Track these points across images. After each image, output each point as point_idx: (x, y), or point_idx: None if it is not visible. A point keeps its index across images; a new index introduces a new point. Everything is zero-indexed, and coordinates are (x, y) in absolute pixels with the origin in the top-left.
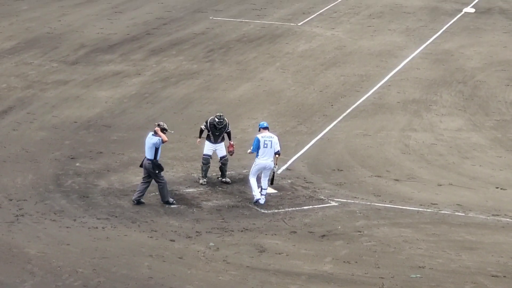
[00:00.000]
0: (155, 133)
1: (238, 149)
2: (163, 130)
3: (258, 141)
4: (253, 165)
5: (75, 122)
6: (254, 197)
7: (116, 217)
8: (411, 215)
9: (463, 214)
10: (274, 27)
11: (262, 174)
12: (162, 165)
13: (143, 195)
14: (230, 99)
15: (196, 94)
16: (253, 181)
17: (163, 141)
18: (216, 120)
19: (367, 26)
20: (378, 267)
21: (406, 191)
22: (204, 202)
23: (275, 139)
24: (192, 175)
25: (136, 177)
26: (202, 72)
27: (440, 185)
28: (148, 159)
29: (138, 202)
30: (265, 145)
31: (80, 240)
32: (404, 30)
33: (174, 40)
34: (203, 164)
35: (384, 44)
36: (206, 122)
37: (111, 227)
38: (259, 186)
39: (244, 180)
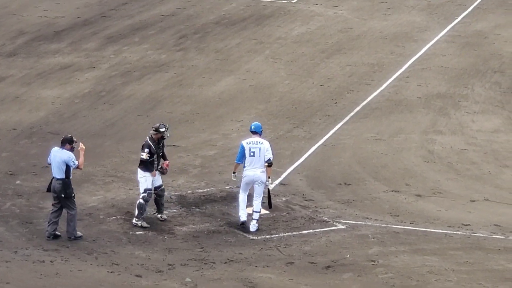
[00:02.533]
0: (63, 145)
1: (220, 160)
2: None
3: (243, 148)
4: (242, 177)
5: (13, 129)
6: (239, 218)
7: (67, 247)
8: (437, 239)
9: (502, 237)
10: (262, 5)
11: (254, 191)
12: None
13: (56, 228)
14: (208, 97)
15: (166, 92)
16: (241, 197)
17: (78, 167)
18: (162, 129)
19: (378, 3)
20: None
21: (431, 209)
22: (178, 227)
23: (265, 145)
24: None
25: (93, 197)
26: (173, 63)
27: (473, 201)
28: (57, 179)
29: (55, 236)
30: (252, 153)
31: (23, 277)
32: (425, 7)
33: (136, 24)
34: (146, 202)
35: (400, 25)
36: (149, 147)
37: (62, 260)
38: (250, 205)
39: (227, 199)
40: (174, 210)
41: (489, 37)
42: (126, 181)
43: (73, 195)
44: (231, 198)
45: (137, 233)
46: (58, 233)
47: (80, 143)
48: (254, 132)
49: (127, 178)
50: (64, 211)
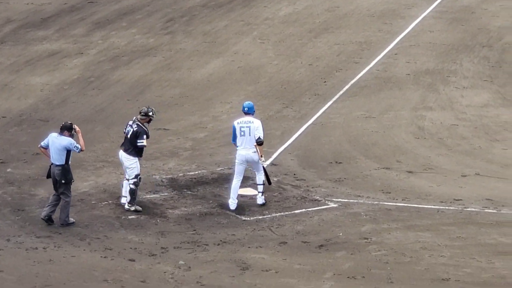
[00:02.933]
0: (62, 132)
1: (211, 142)
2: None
3: (234, 128)
4: (236, 158)
5: (3, 117)
6: (229, 206)
7: (60, 234)
8: (430, 215)
9: (494, 211)
10: None
11: (255, 170)
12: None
13: (54, 210)
14: (197, 79)
15: (154, 76)
16: (234, 183)
17: (81, 150)
18: (150, 113)
19: None
20: (391, 282)
21: (423, 185)
22: (170, 210)
23: (255, 123)
24: (154, 176)
25: (84, 182)
26: (161, 47)
27: (465, 176)
28: (57, 165)
29: (49, 219)
30: (242, 133)
31: (16, 264)
32: None
33: (123, 8)
34: (137, 187)
35: (387, 2)
36: (146, 133)
37: (55, 246)
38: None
39: (219, 181)
40: (166, 193)
41: (476, 12)
42: (117, 166)
43: (72, 180)
44: (223, 180)
45: (129, 217)
46: (53, 216)
47: (75, 125)
48: (246, 113)
49: (118, 162)
50: None
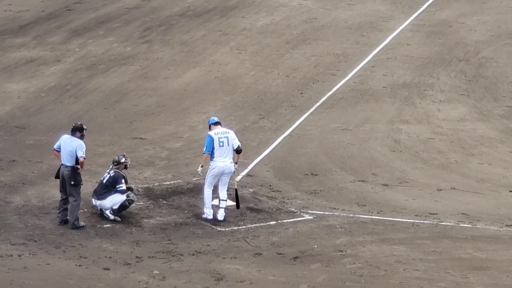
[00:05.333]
0: (73, 133)
1: (187, 152)
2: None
3: (211, 139)
4: (209, 170)
5: None
6: (205, 215)
7: (35, 241)
8: (405, 228)
9: (469, 226)
10: None
11: (220, 182)
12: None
13: (67, 213)
14: (173, 89)
15: (131, 84)
16: (207, 193)
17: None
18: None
19: None
20: None
21: (398, 198)
22: (145, 220)
23: (231, 134)
24: (130, 185)
25: (59, 190)
26: (138, 56)
27: (440, 189)
28: (67, 166)
29: (65, 222)
30: (221, 143)
31: None
32: None
33: (101, 16)
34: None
35: (365, 15)
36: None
37: (30, 254)
38: (215, 198)
39: (194, 191)
40: (141, 203)
41: (453, 25)
42: (93, 174)
43: (82, 183)
44: (198, 190)
45: (104, 226)
46: (67, 218)
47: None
48: (217, 123)
49: (94, 171)
50: None
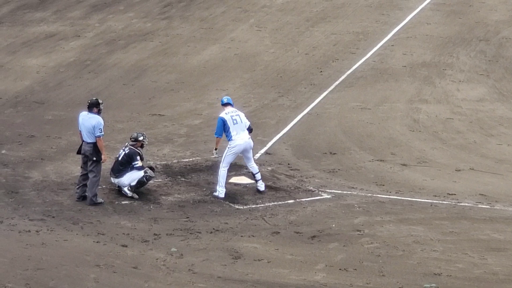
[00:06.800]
0: (90, 109)
1: (206, 129)
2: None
3: (223, 120)
4: (227, 149)
5: None
6: (216, 192)
7: (53, 217)
8: (423, 209)
9: (488, 207)
10: None
11: (245, 159)
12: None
13: (85, 190)
14: (193, 65)
15: (151, 60)
16: (223, 172)
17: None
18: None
19: None
20: (383, 275)
21: (417, 178)
22: (164, 197)
23: (241, 112)
24: (148, 162)
25: (78, 166)
26: (158, 32)
27: (459, 170)
28: (88, 143)
29: (83, 198)
30: (235, 121)
31: (8, 247)
32: None
33: None
34: (148, 180)
35: None
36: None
37: (47, 230)
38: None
39: (213, 168)
40: (160, 180)
41: (474, 5)
42: (112, 150)
43: (98, 158)
44: (217, 167)
45: (122, 202)
46: (85, 194)
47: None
48: (227, 104)
49: (113, 147)
50: None
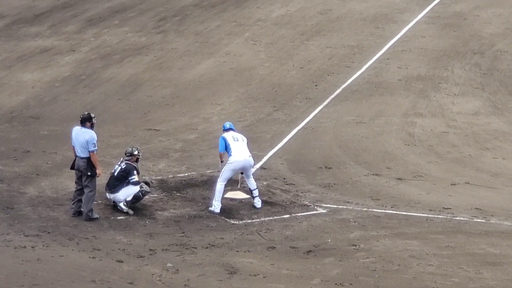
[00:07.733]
0: (83, 124)
1: (201, 144)
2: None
3: (223, 138)
4: (227, 163)
5: None
6: (212, 207)
7: (49, 233)
8: (418, 223)
9: (483, 221)
10: None
11: (245, 176)
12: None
13: (81, 205)
14: (188, 80)
15: (146, 75)
16: (220, 187)
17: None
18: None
19: None
20: None
21: (412, 192)
22: (159, 212)
23: (244, 138)
24: (143, 177)
25: (73, 181)
26: (153, 46)
27: (454, 184)
28: (82, 158)
29: (79, 213)
30: (235, 139)
31: (4, 263)
32: None
33: (116, 6)
34: (143, 195)
35: (379, 7)
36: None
37: (43, 245)
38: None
39: (208, 183)
40: (155, 195)
41: (468, 18)
42: (107, 165)
43: (93, 173)
44: (212, 183)
45: (118, 218)
46: (81, 209)
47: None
48: (229, 130)
49: (108, 162)
50: None
